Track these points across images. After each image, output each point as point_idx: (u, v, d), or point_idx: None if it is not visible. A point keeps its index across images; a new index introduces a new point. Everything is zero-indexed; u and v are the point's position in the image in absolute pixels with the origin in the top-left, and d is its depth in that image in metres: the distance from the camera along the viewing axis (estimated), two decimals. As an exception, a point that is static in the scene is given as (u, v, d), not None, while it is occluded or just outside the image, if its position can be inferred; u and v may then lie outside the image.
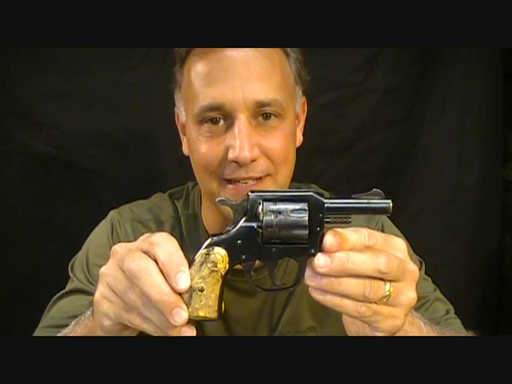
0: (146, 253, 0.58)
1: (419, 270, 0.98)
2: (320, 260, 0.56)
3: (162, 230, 0.96)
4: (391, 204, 0.61)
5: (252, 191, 0.62)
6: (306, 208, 0.60)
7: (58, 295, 0.92)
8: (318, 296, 0.58)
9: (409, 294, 0.59)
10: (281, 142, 0.85)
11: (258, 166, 0.83)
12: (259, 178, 0.84)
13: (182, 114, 0.92)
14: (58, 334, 0.79)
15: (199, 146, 0.85)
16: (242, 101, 0.80)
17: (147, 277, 0.56)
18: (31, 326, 0.90)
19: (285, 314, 0.94)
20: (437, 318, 0.90)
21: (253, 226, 0.61)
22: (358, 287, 0.56)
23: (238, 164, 0.81)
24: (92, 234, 1.00)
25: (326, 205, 0.61)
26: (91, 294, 0.65)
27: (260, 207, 0.61)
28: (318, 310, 0.94)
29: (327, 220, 0.61)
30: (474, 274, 1.46)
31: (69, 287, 0.93)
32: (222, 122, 0.83)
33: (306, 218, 0.60)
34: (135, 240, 0.61)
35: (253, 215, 0.61)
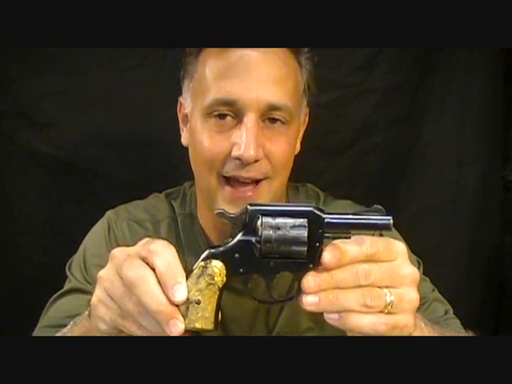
0: (144, 259, 0.58)
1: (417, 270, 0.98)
2: (310, 281, 0.57)
3: (159, 230, 0.96)
4: (392, 221, 0.60)
5: (251, 204, 0.61)
6: (306, 224, 0.59)
7: (56, 295, 0.92)
8: (333, 322, 0.58)
9: (410, 296, 0.59)
10: (284, 147, 0.85)
11: (259, 168, 0.83)
12: (257, 181, 0.84)
13: (187, 104, 0.91)
14: (57, 334, 0.79)
15: (203, 138, 0.84)
16: (255, 100, 0.81)
17: (145, 286, 0.56)
18: (31, 326, 0.90)
19: (282, 315, 0.94)
20: (436, 318, 0.89)
21: (251, 240, 0.60)
22: (357, 298, 0.56)
23: (241, 162, 0.81)
24: (89, 233, 1.00)
25: (326, 220, 0.60)
26: (89, 293, 0.65)
27: (259, 221, 0.60)
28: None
29: (327, 235, 0.60)
30: (473, 274, 1.46)
31: (67, 287, 0.93)
32: (229, 118, 0.83)
33: (306, 235, 0.59)
34: (132, 240, 0.61)
35: (251, 229, 0.60)
